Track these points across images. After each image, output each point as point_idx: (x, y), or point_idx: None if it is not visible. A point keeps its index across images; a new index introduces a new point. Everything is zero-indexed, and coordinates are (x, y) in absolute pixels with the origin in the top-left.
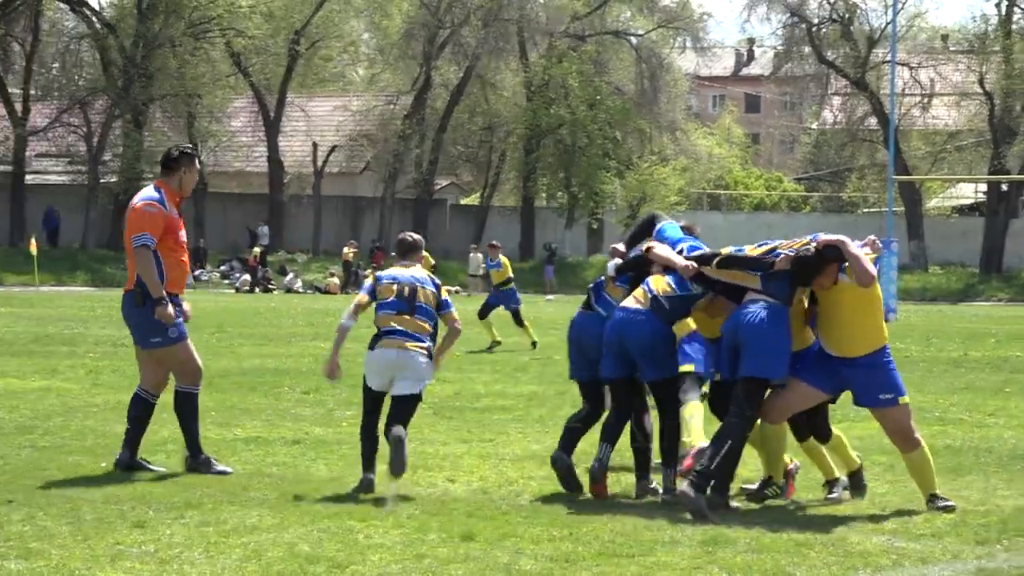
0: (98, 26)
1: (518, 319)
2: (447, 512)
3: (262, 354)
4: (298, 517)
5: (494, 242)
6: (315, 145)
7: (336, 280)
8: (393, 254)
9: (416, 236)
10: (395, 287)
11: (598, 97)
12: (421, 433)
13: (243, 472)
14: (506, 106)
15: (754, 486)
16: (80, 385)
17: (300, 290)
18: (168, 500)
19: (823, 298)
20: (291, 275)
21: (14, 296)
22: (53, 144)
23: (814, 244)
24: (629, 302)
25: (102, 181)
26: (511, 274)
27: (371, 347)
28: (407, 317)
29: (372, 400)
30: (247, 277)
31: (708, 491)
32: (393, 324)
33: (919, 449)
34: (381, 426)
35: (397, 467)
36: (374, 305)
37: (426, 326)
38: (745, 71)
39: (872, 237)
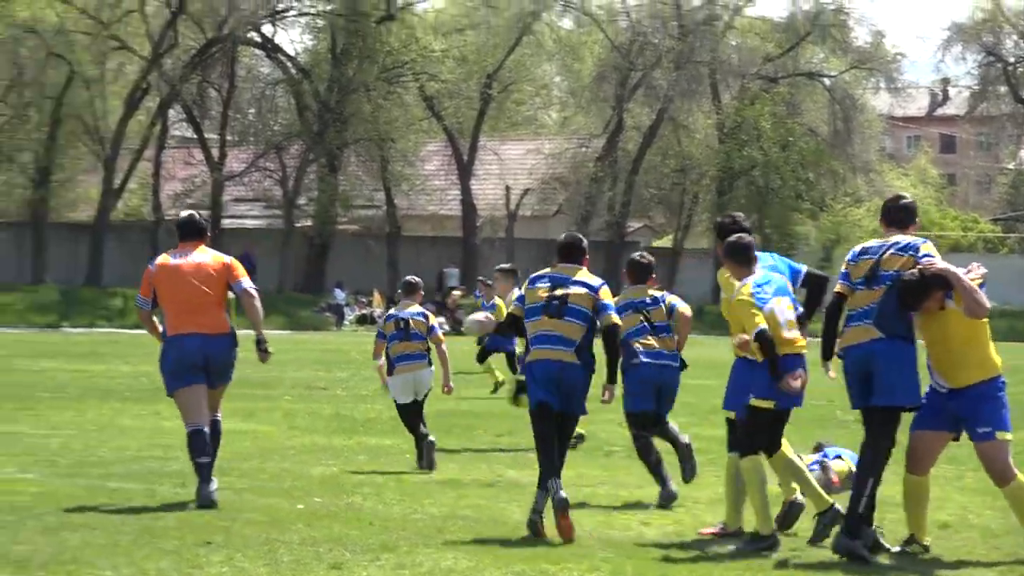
0: (293, 71)
1: (511, 362)
2: (641, 556)
3: (456, 396)
4: (492, 560)
5: (484, 278)
6: (508, 188)
7: None
8: (399, 291)
9: (416, 279)
10: (393, 323)
11: (791, 139)
12: (615, 476)
13: (438, 515)
14: (698, 148)
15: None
16: (276, 428)
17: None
18: (364, 542)
19: (931, 325)
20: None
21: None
22: (249, 189)
23: (919, 267)
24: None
25: (297, 225)
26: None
27: (390, 373)
28: (407, 343)
29: (404, 412)
30: (442, 319)
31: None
32: (402, 351)
33: (1013, 483)
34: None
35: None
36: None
37: (421, 347)
38: (940, 111)
39: (975, 264)
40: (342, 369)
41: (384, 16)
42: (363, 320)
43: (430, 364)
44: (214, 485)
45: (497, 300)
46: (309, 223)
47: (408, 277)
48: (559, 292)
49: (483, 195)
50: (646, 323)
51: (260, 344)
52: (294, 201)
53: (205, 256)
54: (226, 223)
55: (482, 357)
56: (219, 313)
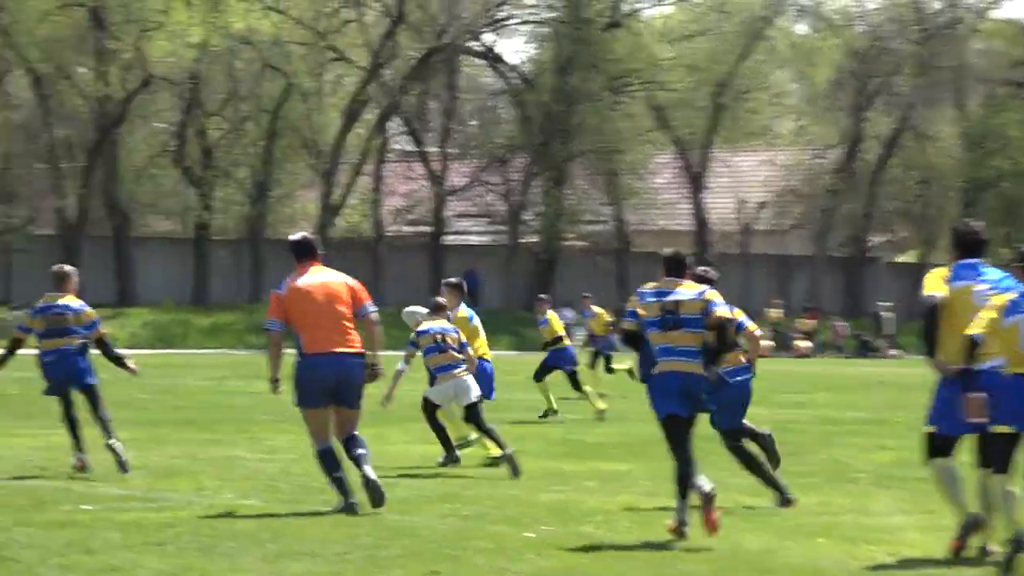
0: (516, 82)
1: (574, 382)
2: None
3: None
4: None
5: (541, 295)
6: (741, 201)
7: (767, 343)
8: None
9: (419, 309)
10: (430, 337)
11: None
12: (861, 503)
13: (679, 546)
14: (942, 158)
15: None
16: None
17: None
18: (597, 574)
19: None
20: None
21: None
22: (472, 203)
23: None
24: None
25: (522, 241)
26: (561, 332)
27: (432, 383)
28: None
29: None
30: None
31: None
32: (439, 362)
33: None
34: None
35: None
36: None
37: (458, 357)
38: None
39: None
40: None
41: (610, 23)
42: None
43: (468, 371)
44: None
45: (550, 314)
46: (535, 239)
47: (409, 309)
48: (670, 305)
49: (715, 209)
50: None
51: (373, 368)
52: (519, 216)
53: (328, 275)
54: (448, 239)
55: (539, 375)
56: (351, 331)
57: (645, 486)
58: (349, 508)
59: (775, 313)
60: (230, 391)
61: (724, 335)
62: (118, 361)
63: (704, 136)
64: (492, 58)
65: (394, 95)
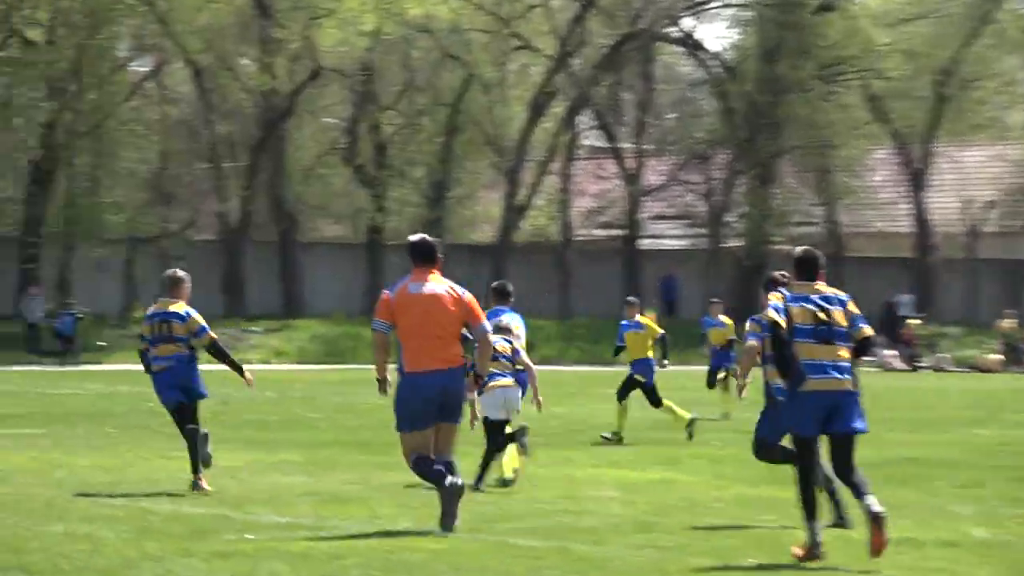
0: (718, 71)
1: (653, 397)
2: None
3: (911, 442)
4: None
5: (629, 298)
6: (968, 201)
7: (996, 356)
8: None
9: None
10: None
11: None
12: None
13: None
14: None
15: None
16: (701, 477)
17: (952, 368)
18: None
19: None
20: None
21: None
22: (669, 204)
23: None
24: None
25: (724, 245)
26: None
27: (480, 392)
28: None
29: (493, 428)
30: (894, 352)
31: None
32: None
33: None
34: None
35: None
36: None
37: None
38: None
39: None
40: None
41: (821, 6)
42: None
43: (517, 383)
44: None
45: (642, 319)
46: (738, 243)
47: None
48: (823, 315)
49: (938, 209)
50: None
51: (478, 378)
52: (721, 218)
53: (441, 287)
54: (643, 244)
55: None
56: (455, 347)
57: (859, 516)
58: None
59: (1007, 324)
60: None
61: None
62: (234, 366)
63: (925, 129)
64: (691, 45)
65: (584, 86)
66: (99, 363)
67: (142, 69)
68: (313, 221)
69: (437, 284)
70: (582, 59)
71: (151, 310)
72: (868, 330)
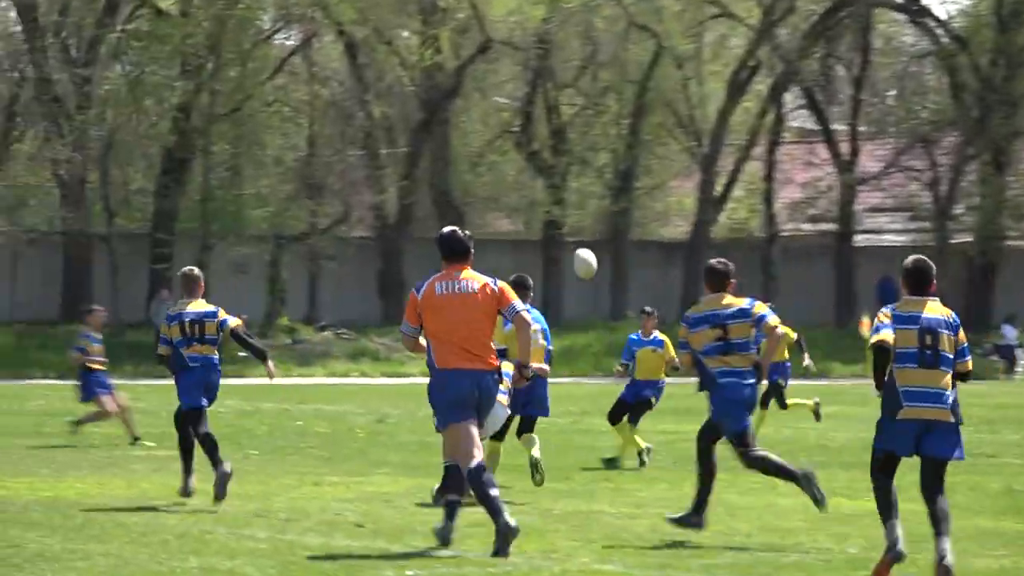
0: (945, 41)
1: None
2: None
3: None
4: None
5: (646, 308)
6: None
7: None
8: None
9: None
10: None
11: None
12: None
13: None
14: None
15: None
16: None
17: None
18: None
19: None
20: None
21: (843, 391)
22: (889, 194)
23: None
24: None
25: (953, 241)
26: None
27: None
28: None
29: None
30: None
31: None
32: None
33: None
34: None
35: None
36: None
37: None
38: None
39: None
40: (1014, 430)
41: None
42: None
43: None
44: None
45: (658, 333)
46: (969, 238)
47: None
48: (929, 338)
49: None
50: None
51: (522, 369)
52: (948, 210)
53: (473, 283)
54: (859, 240)
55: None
56: (488, 345)
57: None
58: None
59: None
60: (589, 429)
61: None
62: (259, 353)
63: None
64: (916, 12)
65: (791, 60)
66: (240, 376)
67: (288, 43)
68: (482, 215)
69: (468, 280)
70: (789, 29)
71: (174, 311)
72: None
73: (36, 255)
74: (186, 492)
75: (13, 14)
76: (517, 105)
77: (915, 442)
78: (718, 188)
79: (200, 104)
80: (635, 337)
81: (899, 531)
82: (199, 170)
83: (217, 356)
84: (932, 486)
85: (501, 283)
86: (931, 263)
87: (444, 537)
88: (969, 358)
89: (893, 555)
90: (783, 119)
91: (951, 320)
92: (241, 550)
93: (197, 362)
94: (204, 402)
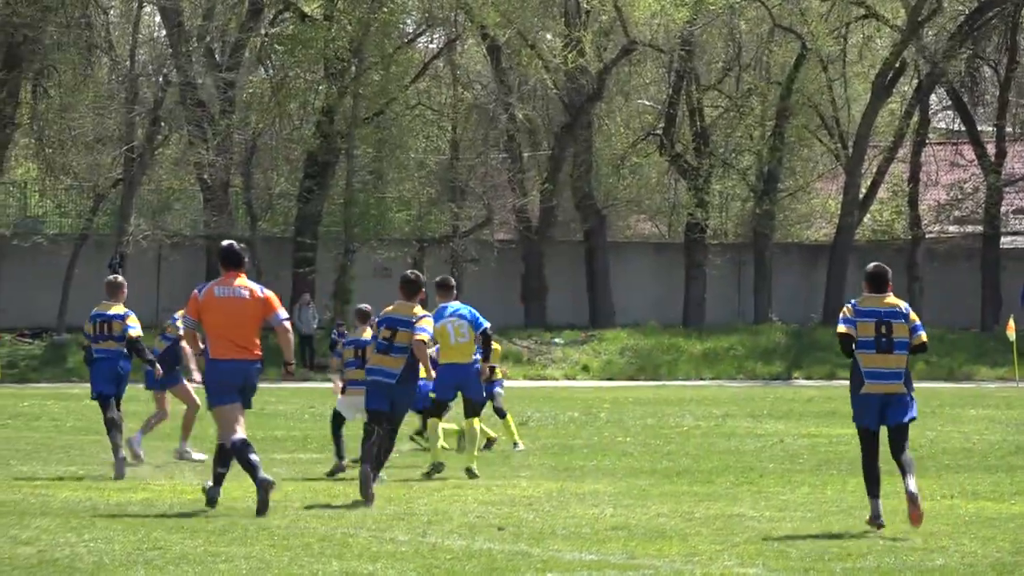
0: None
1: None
2: None
3: None
4: None
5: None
6: None
7: None
8: None
9: None
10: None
11: None
12: None
13: None
14: None
15: None
16: None
17: None
18: None
19: None
20: None
21: (989, 394)
22: None
23: None
24: None
25: None
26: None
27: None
28: None
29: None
30: None
31: None
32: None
33: None
34: None
35: None
36: None
37: None
38: None
39: None
40: None
41: None
42: None
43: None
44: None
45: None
46: None
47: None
48: (883, 328)
49: None
50: None
51: (287, 366)
52: None
53: (245, 290)
54: (1005, 242)
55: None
56: (254, 340)
57: None
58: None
59: None
60: (732, 432)
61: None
62: (151, 363)
63: None
64: None
65: (937, 61)
66: None
67: (432, 46)
68: (624, 218)
69: (239, 286)
70: (935, 29)
71: (96, 310)
72: (923, 336)
73: (180, 259)
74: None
75: (158, 19)
76: (660, 107)
77: (880, 415)
78: (862, 190)
79: (343, 108)
80: None
81: (881, 507)
82: (342, 174)
83: (124, 350)
84: (898, 448)
85: (268, 292)
86: (887, 267)
87: (212, 498)
88: (921, 332)
89: (876, 524)
90: (928, 120)
91: (903, 310)
92: (383, 553)
93: (103, 355)
94: (112, 390)
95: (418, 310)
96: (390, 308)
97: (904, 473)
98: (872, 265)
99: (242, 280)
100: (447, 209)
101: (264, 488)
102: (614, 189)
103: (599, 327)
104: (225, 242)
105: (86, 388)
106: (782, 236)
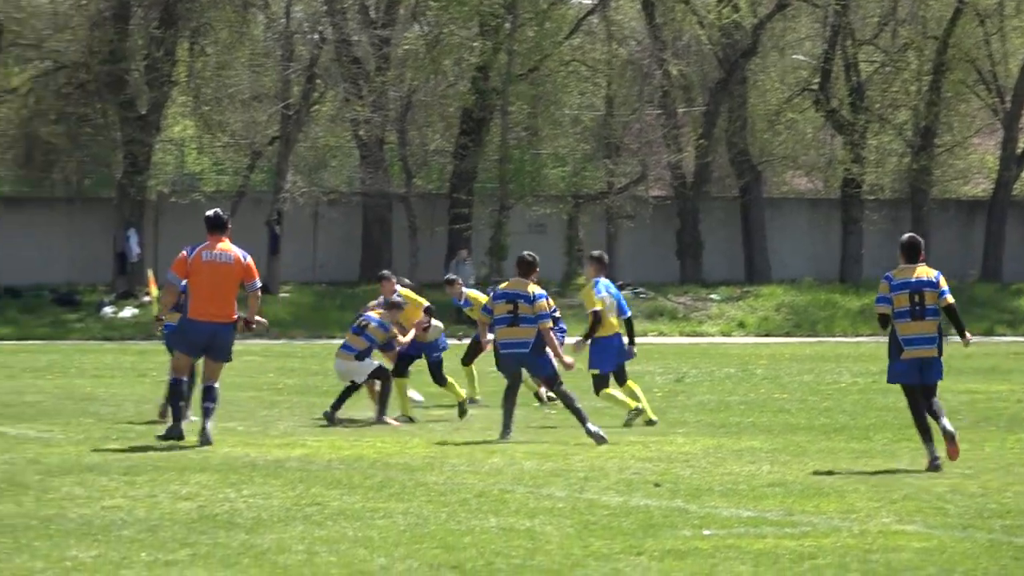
0: None
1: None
2: None
3: None
4: None
5: None
6: None
7: None
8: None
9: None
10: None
11: None
12: None
13: None
14: None
15: None
16: None
17: None
18: None
19: None
20: None
21: None
22: None
23: None
24: None
25: None
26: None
27: None
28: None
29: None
30: None
31: None
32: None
33: None
34: None
35: None
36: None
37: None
38: None
39: None
40: None
41: None
42: None
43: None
44: (184, 425)
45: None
46: None
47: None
48: (916, 297)
49: None
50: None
51: (248, 324)
52: None
53: (229, 255)
54: None
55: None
56: (231, 303)
57: None
58: (172, 433)
59: None
60: (889, 389)
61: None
62: None
63: None
64: None
65: None
66: None
67: (586, 2)
68: (779, 173)
69: (223, 251)
70: None
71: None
72: (949, 299)
73: (336, 216)
74: None
75: None
76: (815, 62)
77: (919, 375)
78: (1021, 145)
79: (498, 64)
80: None
81: (936, 450)
82: (497, 130)
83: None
84: (930, 399)
85: (249, 259)
86: (920, 238)
87: (177, 433)
88: (947, 295)
89: (934, 467)
90: None
91: (933, 279)
92: (540, 509)
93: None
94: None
95: (533, 288)
96: (505, 284)
97: (938, 417)
98: (907, 236)
99: (225, 244)
100: (602, 165)
101: (175, 437)
102: (769, 144)
103: (755, 283)
104: (210, 210)
105: (240, 344)
106: (939, 192)
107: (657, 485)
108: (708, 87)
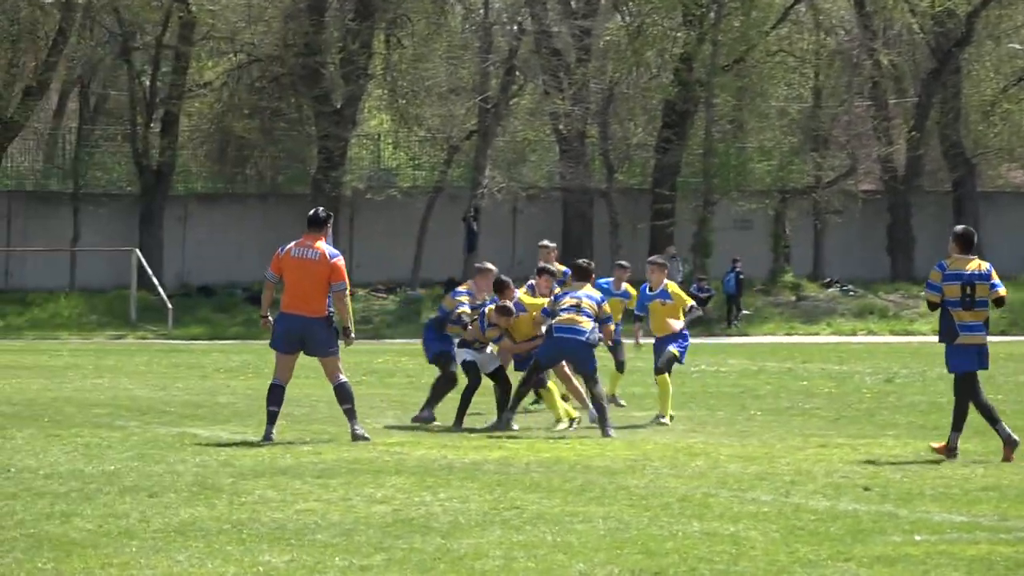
0: None
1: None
2: None
3: None
4: None
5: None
6: None
7: None
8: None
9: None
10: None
11: None
12: None
13: None
14: None
15: None
16: None
17: None
18: None
19: None
20: None
21: None
22: None
23: None
24: None
25: None
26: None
27: None
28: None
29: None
30: None
31: None
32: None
33: None
34: None
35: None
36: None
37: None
38: None
39: None
40: None
41: None
42: None
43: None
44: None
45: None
46: None
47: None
48: (968, 288)
49: None
50: None
51: (347, 334)
52: None
53: (317, 252)
54: None
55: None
56: (320, 299)
57: None
58: (265, 438)
59: None
60: None
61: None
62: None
63: None
64: None
65: None
66: (744, 335)
67: None
68: (995, 167)
69: (314, 249)
70: None
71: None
72: (1002, 291)
73: (535, 212)
74: None
75: None
76: None
77: (978, 361)
78: None
79: (702, 55)
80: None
81: (1008, 429)
82: (701, 123)
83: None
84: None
85: (338, 259)
86: (974, 230)
87: (268, 436)
88: (999, 288)
89: (1012, 444)
90: None
91: (985, 271)
92: (744, 513)
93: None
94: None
95: (590, 289)
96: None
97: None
98: (961, 228)
99: (320, 244)
100: (809, 159)
101: (357, 437)
102: (984, 137)
103: None
104: (313, 210)
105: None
106: None
107: (866, 489)
108: (920, 77)
